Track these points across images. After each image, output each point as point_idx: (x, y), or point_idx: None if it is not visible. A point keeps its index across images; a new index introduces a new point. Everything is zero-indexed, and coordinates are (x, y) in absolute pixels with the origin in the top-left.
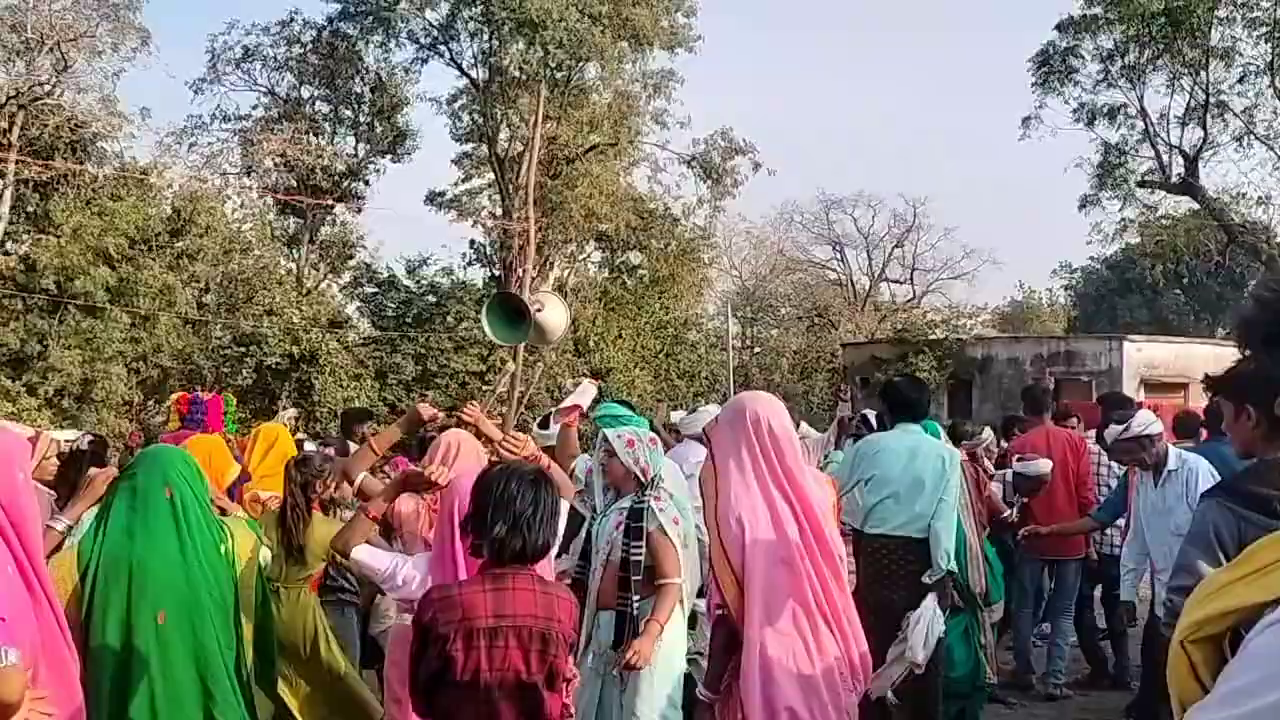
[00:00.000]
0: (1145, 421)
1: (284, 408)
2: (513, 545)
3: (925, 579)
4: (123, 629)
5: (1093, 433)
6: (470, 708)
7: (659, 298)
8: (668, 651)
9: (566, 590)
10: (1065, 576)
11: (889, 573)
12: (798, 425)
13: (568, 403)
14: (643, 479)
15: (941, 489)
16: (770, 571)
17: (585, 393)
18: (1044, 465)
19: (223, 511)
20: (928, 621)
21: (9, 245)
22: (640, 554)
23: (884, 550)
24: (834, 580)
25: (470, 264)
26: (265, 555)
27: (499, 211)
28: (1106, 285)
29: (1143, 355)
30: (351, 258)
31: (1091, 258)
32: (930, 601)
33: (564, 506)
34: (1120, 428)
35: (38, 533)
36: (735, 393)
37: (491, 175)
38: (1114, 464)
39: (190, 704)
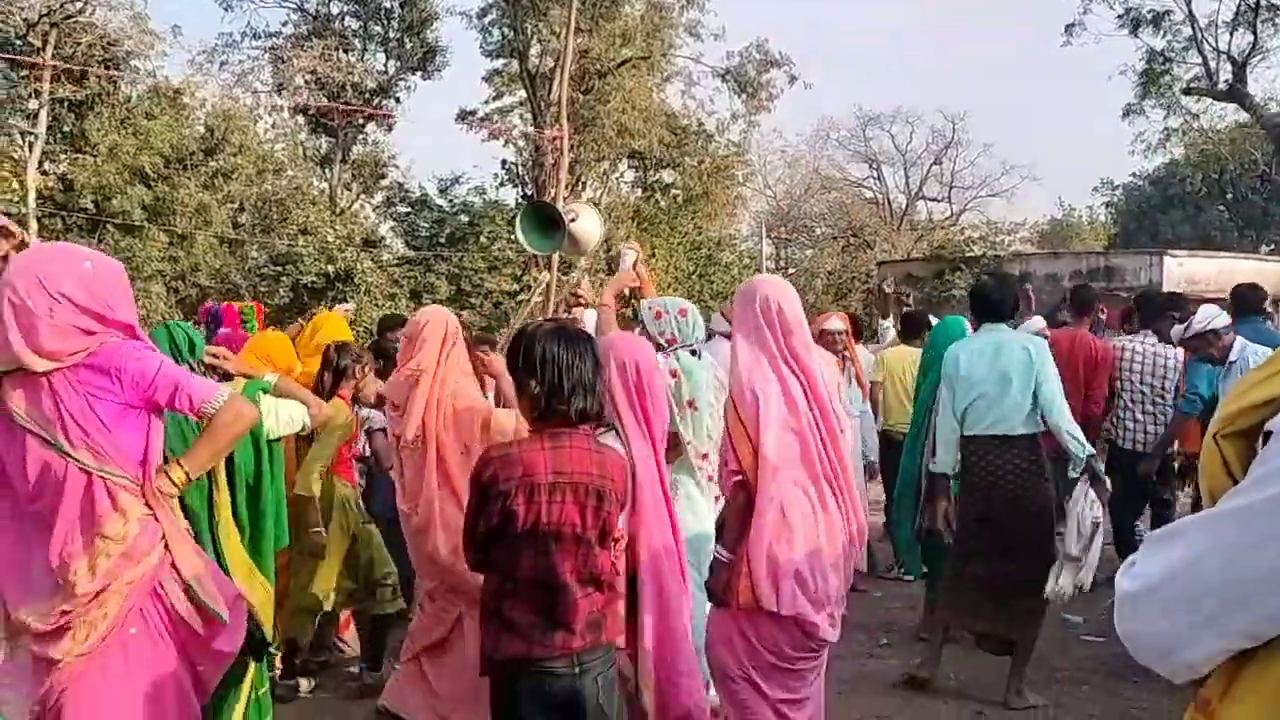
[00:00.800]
0: (1208, 316)
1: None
2: (591, 410)
3: (1071, 472)
4: None
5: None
6: (528, 560)
7: (692, 217)
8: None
9: (617, 451)
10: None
11: (984, 470)
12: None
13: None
14: (666, 349)
15: (1034, 381)
16: (782, 439)
17: (625, 258)
18: None
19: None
20: (1077, 515)
21: (46, 165)
22: None
23: (979, 450)
24: (837, 455)
25: (502, 184)
26: (297, 415)
27: (531, 130)
28: (1148, 201)
29: (1184, 270)
30: (384, 177)
31: (1134, 174)
32: (1079, 491)
33: None
34: (1182, 326)
35: None
36: None
37: (523, 93)
38: (1143, 366)
39: None
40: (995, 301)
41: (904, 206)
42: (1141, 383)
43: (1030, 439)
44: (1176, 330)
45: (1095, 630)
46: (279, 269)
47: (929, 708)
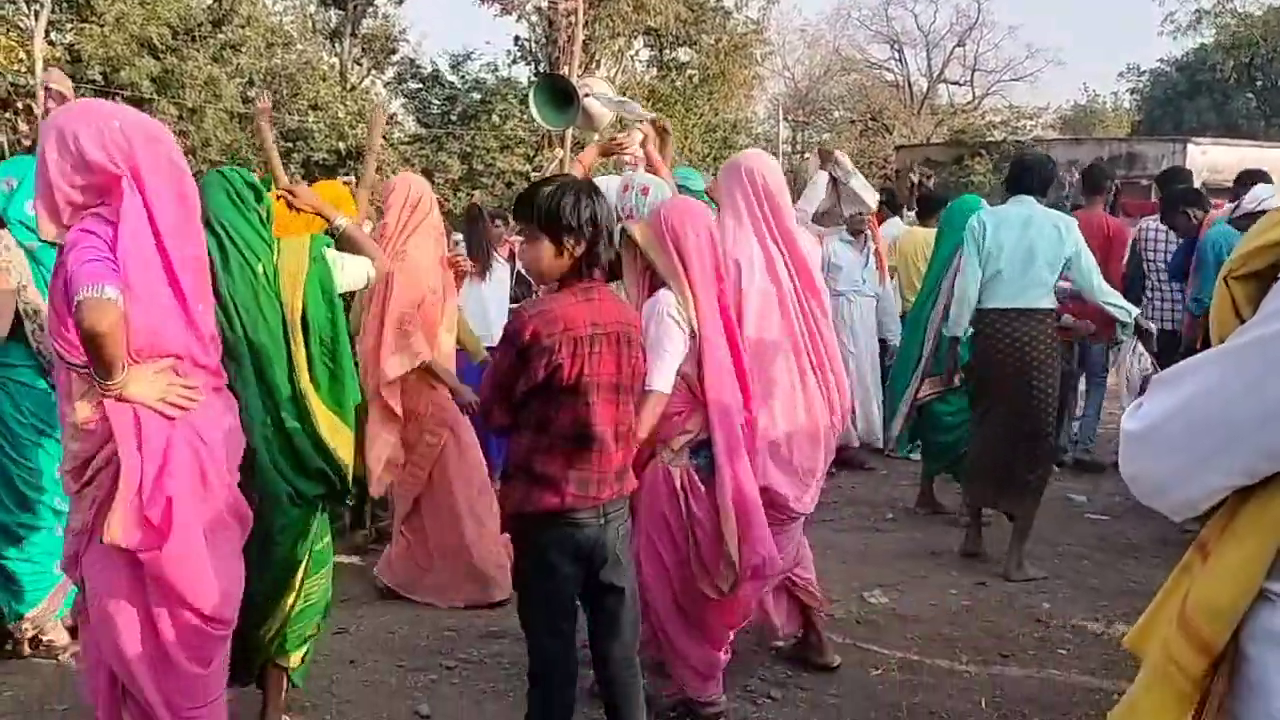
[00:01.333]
0: (1258, 196)
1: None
2: (614, 264)
3: (1120, 335)
4: None
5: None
6: (568, 413)
7: (708, 98)
8: None
9: (630, 305)
10: (1093, 357)
11: (1004, 340)
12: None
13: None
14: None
15: (1063, 256)
16: (763, 309)
17: (631, 107)
18: None
19: None
20: (1126, 371)
21: (53, 34)
22: None
23: (999, 321)
24: (821, 330)
25: (515, 61)
26: (361, 270)
27: (544, 3)
28: (1175, 88)
29: (1207, 159)
30: (394, 52)
31: (1161, 59)
32: (1125, 350)
33: None
34: (1232, 205)
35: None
36: None
37: None
38: (1168, 246)
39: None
40: (1027, 175)
41: (925, 90)
42: (1168, 264)
43: (1049, 312)
44: (1226, 208)
45: (1098, 508)
46: (289, 145)
47: (932, 578)
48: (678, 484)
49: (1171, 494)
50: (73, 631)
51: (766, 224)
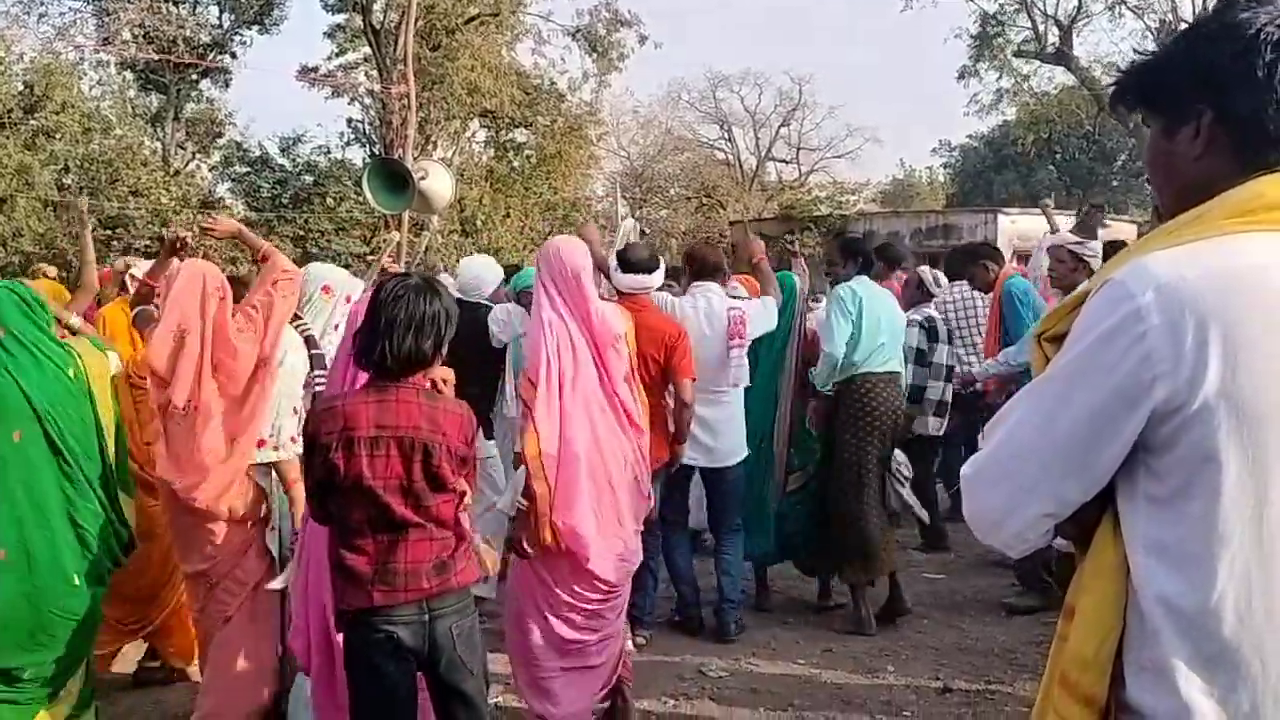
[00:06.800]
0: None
1: None
2: (416, 357)
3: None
4: None
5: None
6: (359, 510)
7: (546, 177)
8: None
9: (460, 405)
10: None
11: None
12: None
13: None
14: None
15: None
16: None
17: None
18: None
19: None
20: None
21: None
22: None
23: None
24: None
25: (349, 144)
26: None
27: (376, 87)
28: (983, 162)
29: (1016, 227)
30: (221, 136)
31: (969, 136)
32: None
33: None
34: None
35: None
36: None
37: (367, 49)
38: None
39: (54, 508)
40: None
41: (754, 167)
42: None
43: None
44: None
45: (935, 568)
46: (109, 232)
47: (780, 648)
48: None
49: (1004, 527)
50: None
51: (570, 303)
